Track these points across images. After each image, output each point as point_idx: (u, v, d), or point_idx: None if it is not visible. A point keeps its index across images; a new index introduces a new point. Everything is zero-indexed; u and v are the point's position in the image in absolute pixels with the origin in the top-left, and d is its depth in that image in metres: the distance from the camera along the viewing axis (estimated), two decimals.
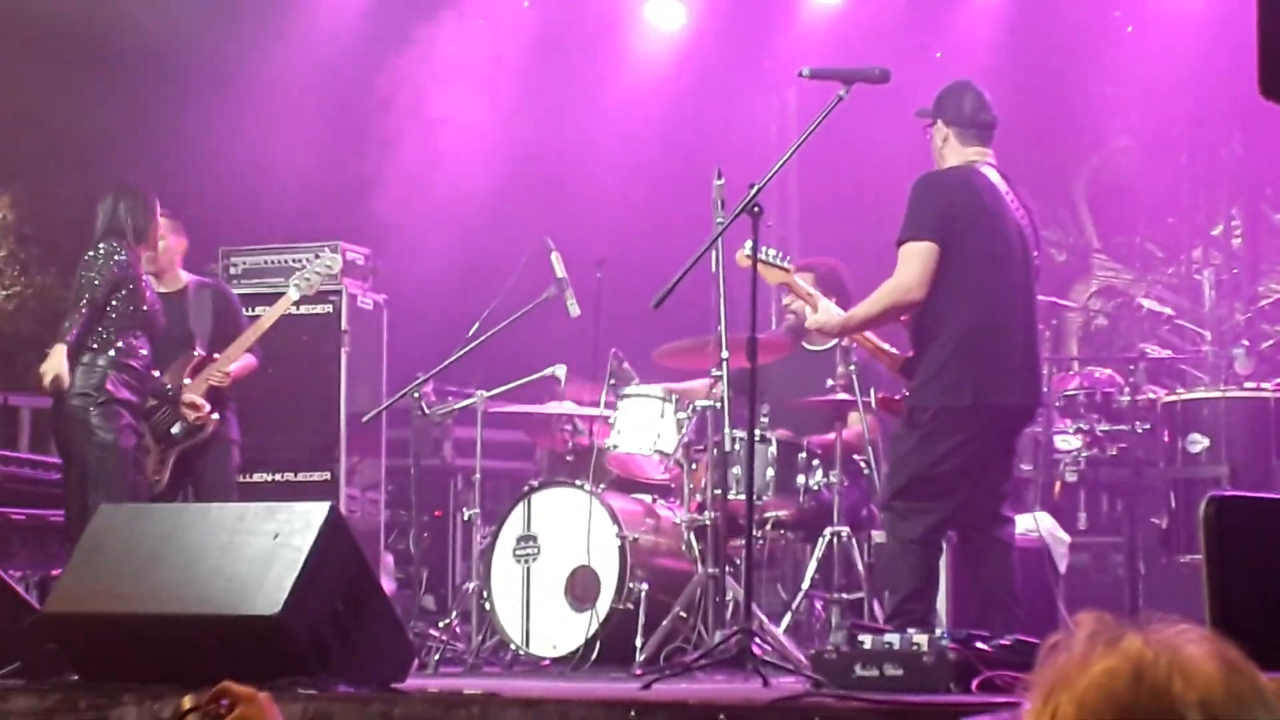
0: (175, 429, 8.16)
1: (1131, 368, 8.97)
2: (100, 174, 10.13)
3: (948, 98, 6.76)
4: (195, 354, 8.25)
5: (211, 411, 8.17)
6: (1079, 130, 11.00)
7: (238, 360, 8.31)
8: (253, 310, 8.64)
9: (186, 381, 8.17)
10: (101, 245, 7.74)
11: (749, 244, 6.55)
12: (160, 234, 8.18)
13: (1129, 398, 8.83)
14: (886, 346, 6.81)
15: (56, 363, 7.54)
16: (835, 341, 7.83)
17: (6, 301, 11.80)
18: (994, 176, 6.58)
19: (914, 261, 6.38)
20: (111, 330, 7.68)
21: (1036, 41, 11.10)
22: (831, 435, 7.88)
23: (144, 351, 7.79)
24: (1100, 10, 11.01)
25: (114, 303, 7.67)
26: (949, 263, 6.37)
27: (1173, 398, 8.73)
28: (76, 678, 5.65)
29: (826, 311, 6.76)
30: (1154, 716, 1.89)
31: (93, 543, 5.87)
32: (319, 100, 11.31)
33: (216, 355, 8.28)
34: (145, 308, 7.81)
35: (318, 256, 8.81)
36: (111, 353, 7.65)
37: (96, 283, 7.64)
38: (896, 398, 6.78)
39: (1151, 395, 8.85)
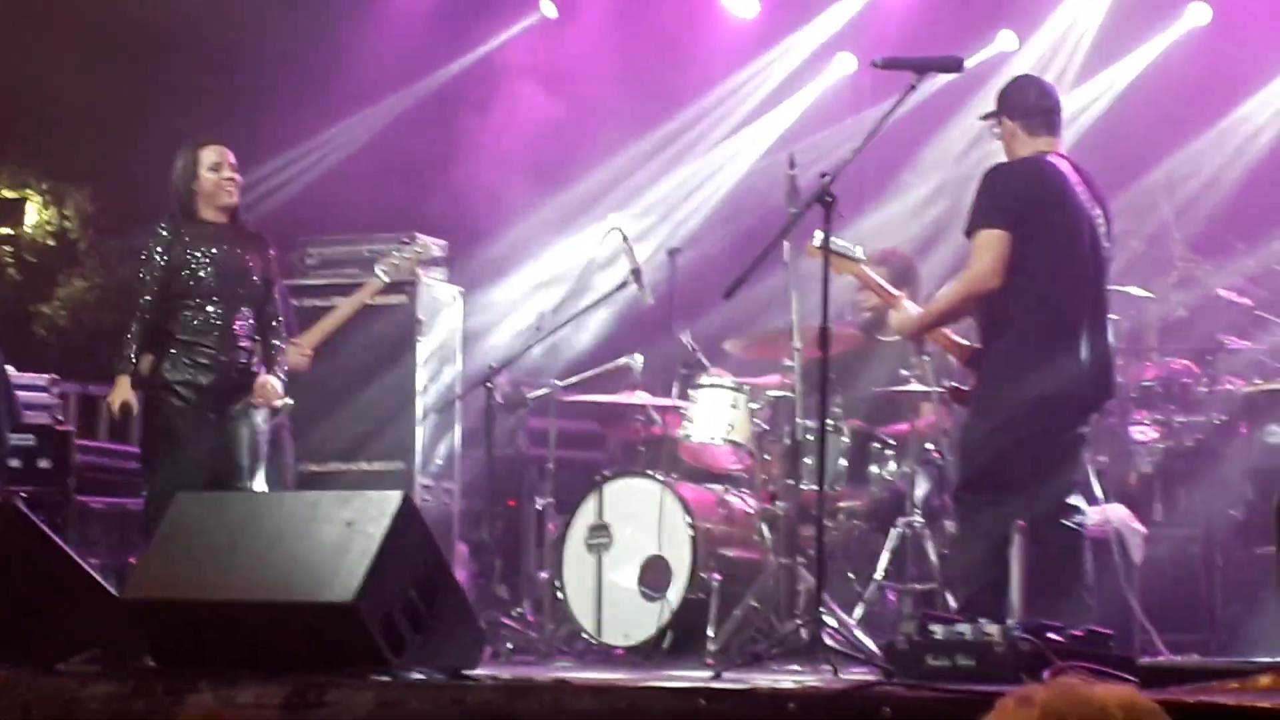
0: None
1: (1209, 358, 8.89)
2: None
3: (1010, 93, 6.74)
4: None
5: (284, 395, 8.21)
6: (1160, 121, 10.91)
7: (317, 342, 8.34)
8: (329, 300, 8.68)
9: None
10: (143, 247, 7.44)
11: (819, 234, 6.52)
12: None
13: (1206, 388, 8.75)
14: (959, 339, 6.77)
15: (121, 393, 7.27)
16: None
17: (88, 293, 11.94)
18: (1063, 166, 6.53)
19: (987, 250, 6.35)
20: (168, 315, 7.32)
21: (1118, 33, 11.04)
22: (905, 425, 7.86)
23: (198, 319, 7.30)
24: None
25: (170, 289, 7.30)
26: (1019, 252, 6.32)
27: (1251, 389, 8.65)
28: (153, 664, 5.70)
29: (905, 310, 6.72)
30: None
31: (169, 530, 5.92)
32: (394, 95, 11.39)
33: (295, 341, 8.32)
34: (190, 274, 7.31)
35: (403, 244, 8.77)
36: (168, 340, 7.31)
37: (143, 296, 7.32)
38: (965, 389, 6.73)
39: (1229, 386, 8.77)
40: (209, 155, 7.46)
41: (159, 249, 7.35)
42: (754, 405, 8.00)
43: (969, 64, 7.02)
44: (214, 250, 7.38)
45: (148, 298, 7.31)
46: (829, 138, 11.21)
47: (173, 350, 7.29)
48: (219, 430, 7.32)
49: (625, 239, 8.42)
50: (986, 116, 6.74)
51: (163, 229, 7.38)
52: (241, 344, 7.40)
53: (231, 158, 7.53)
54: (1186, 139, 10.91)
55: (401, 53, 11.21)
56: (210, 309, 7.33)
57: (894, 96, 6.49)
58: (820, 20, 11.62)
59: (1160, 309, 9.25)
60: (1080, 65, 11.03)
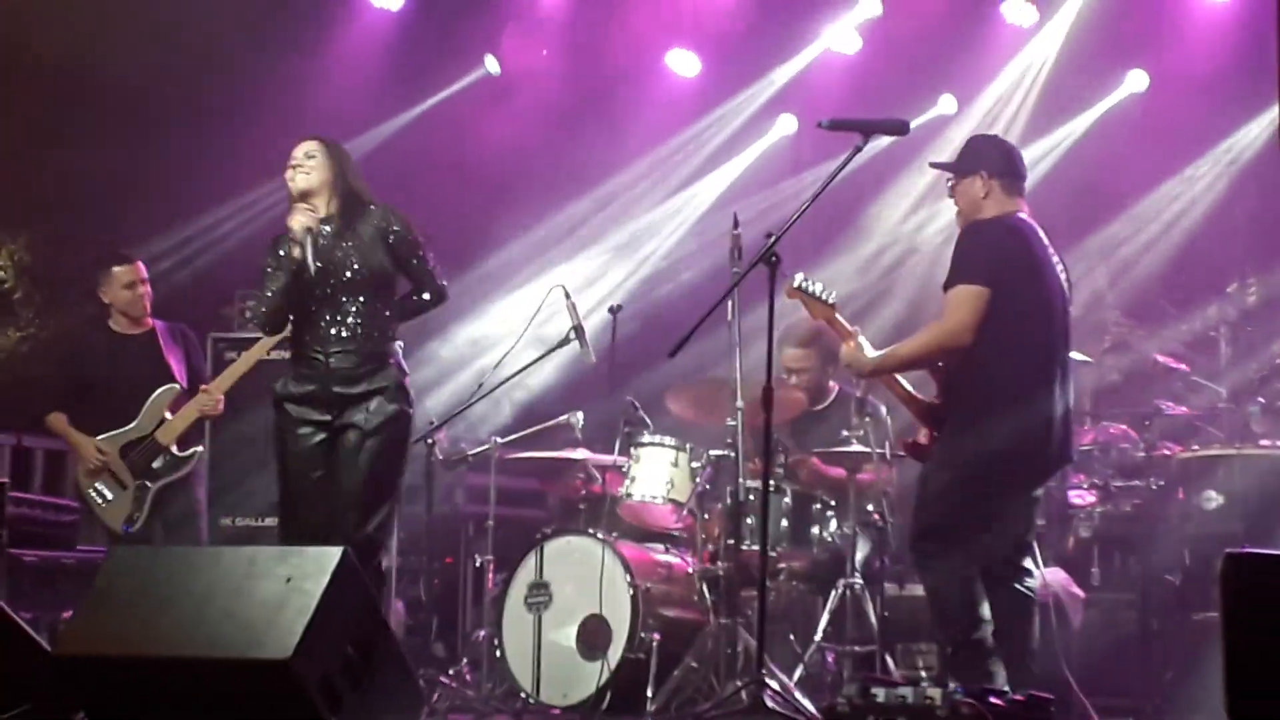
0: (157, 464, 8.18)
1: (1146, 423, 8.94)
2: (116, 218, 10.18)
3: (987, 149, 6.72)
4: (175, 389, 8.26)
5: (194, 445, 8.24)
6: (1096, 186, 11.01)
7: (226, 386, 8.32)
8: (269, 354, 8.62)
9: (167, 416, 8.18)
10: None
11: (798, 276, 6.56)
12: (137, 280, 8.34)
13: (1144, 453, 8.80)
14: (914, 392, 6.73)
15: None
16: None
17: (21, 343, 11.82)
18: (1034, 225, 6.55)
19: (965, 306, 6.31)
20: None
21: (1058, 99, 11.15)
22: (843, 470, 7.87)
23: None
24: (1114, 64, 11.04)
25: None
26: (996, 310, 6.30)
27: (1188, 454, 8.70)
28: None
29: (862, 348, 6.67)
30: None
31: (105, 585, 5.85)
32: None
33: (205, 388, 8.29)
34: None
35: None
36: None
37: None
38: (923, 443, 6.70)
39: (1166, 452, 8.82)
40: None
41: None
42: (695, 464, 8.00)
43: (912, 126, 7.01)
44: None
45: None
46: (771, 197, 11.27)
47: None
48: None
49: (568, 296, 8.40)
50: (962, 167, 6.67)
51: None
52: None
53: (306, 147, 6.92)
54: (1122, 205, 11.01)
55: (343, 107, 11.17)
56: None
57: (840, 157, 6.48)
58: (763, 81, 11.69)
59: (1096, 374, 9.29)
60: (1021, 131, 11.12)
